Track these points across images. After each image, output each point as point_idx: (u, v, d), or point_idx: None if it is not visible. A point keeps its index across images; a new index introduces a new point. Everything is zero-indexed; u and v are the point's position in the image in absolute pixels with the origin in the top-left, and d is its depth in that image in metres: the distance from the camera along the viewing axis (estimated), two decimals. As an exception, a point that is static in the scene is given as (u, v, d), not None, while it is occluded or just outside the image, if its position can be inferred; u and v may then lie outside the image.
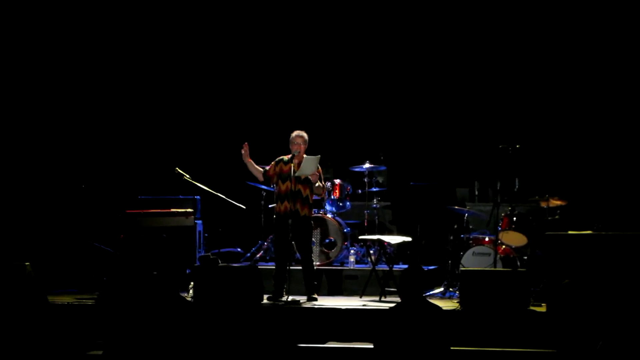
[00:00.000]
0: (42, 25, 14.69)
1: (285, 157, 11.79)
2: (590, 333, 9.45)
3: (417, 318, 7.51)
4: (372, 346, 7.69)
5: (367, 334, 10.14)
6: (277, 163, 11.83)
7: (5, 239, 13.24)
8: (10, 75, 14.51)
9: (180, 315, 7.33)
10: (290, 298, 11.46)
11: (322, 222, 13.51)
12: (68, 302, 11.27)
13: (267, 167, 11.89)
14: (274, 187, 12.10)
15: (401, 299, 7.78)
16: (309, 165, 11.53)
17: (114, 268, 12.31)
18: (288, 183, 11.59)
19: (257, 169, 11.83)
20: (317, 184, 11.72)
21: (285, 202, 11.59)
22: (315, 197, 12.00)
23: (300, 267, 11.91)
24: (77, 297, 11.85)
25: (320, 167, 11.68)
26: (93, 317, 10.49)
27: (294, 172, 11.55)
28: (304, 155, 11.61)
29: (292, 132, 11.80)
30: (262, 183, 12.49)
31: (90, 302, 11.33)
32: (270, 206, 11.90)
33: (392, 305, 7.82)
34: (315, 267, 12.12)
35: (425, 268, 11.21)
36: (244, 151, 11.68)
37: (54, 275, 12.75)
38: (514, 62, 15.04)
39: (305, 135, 11.76)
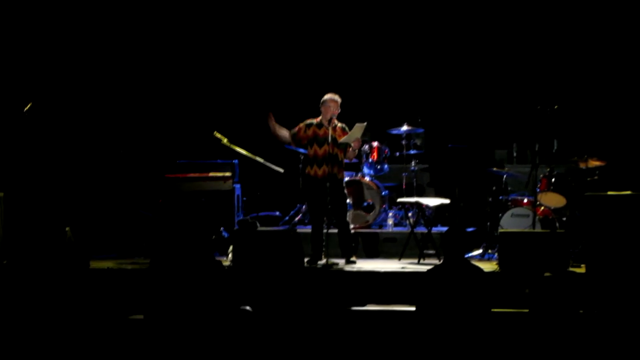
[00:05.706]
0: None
1: (315, 120, 11.73)
2: (628, 294, 9.44)
3: (459, 279, 7.52)
4: (411, 309, 7.70)
5: (406, 296, 10.17)
6: (307, 127, 11.78)
7: (46, 204, 13.32)
8: (49, 39, 14.59)
9: (215, 278, 7.37)
10: (329, 261, 11.49)
11: (360, 185, 13.51)
12: (108, 267, 11.37)
13: (295, 129, 11.84)
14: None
15: (443, 259, 7.78)
16: (357, 131, 11.48)
17: (153, 233, 12.40)
18: (326, 147, 11.55)
19: (283, 131, 11.80)
20: (351, 150, 11.68)
21: (324, 166, 11.57)
22: (346, 160, 11.98)
23: (336, 230, 11.92)
24: (117, 261, 11.95)
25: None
26: (137, 281, 10.54)
27: (332, 136, 11.51)
28: (357, 124, 11.52)
29: (325, 94, 11.75)
30: (289, 144, 12.33)
31: (130, 266, 11.42)
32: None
33: (432, 266, 7.83)
34: (353, 230, 12.13)
35: (464, 230, 11.21)
36: (270, 119, 11.67)
37: (94, 241, 12.83)
38: (552, 21, 14.90)
39: (338, 98, 11.68)
